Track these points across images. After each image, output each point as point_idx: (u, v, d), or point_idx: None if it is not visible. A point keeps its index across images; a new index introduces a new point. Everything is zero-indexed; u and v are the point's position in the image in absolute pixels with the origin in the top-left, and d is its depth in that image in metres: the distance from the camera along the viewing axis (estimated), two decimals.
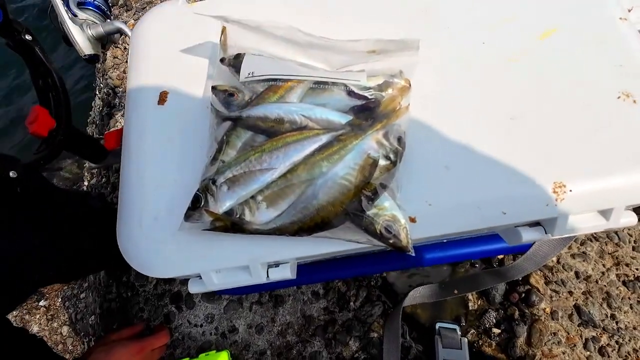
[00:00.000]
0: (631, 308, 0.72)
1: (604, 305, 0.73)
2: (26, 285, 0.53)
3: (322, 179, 0.35)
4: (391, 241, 0.34)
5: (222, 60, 0.43)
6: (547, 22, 0.43)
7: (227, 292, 0.69)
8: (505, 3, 0.44)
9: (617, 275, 0.74)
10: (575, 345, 0.70)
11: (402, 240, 0.34)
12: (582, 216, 0.38)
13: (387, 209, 0.35)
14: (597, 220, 0.38)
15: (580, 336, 0.71)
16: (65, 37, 0.60)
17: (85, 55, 0.60)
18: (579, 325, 0.72)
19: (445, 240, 0.54)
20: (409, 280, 0.83)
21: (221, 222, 0.36)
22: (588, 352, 0.70)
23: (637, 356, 0.69)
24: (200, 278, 0.41)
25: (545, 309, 0.74)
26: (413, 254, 0.34)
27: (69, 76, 1.63)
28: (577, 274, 0.75)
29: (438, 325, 0.76)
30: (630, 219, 0.39)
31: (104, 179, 1.14)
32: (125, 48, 1.17)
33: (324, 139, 0.36)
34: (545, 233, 0.39)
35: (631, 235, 0.77)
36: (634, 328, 0.70)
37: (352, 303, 0.79)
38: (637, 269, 0.74)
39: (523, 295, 0.75)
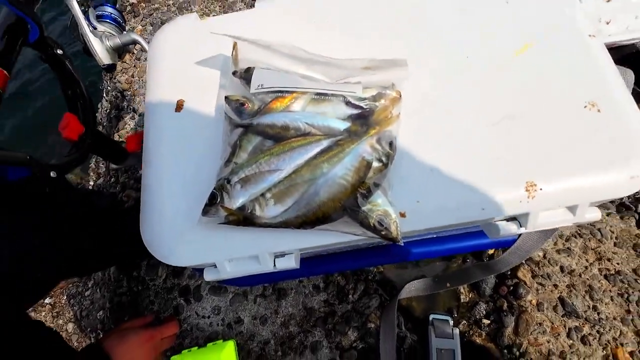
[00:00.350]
0: (612, 300, 0.77)
1: (587, 298, 0.78)
2: (26, 284, 0.56)
3: (323, 179, 0.41)
4: (383, 233, 0.40)
5: (234, 73, 0.48)
6: (523, 39, 0.48)
7: (238, 283, 0.75)
8: (487, 22, 0.50)
9: (599, 269, 0.80)
10: (559, 335, 0.76)
11: (393, 232, 0.40)
12: (551, 212, 0.43)
13: (380, 205, 0.40)
14: (565, 215, 0.44)
15: (564, 326, 0.76)
16: (86, 48, 0.65)
17: (104, 65, 0.66)
18: (562, 316, 0.77)
19: (435, 236, 0.59)
20: (404, 275, 0.88)
21: (234, 216, 0.42)
22: (571, 341, 0.75)
23: (616, 344, 0.74)
24: (215, 267, 0.46)
25: (531, 300, 0.79)
26: (402, 244, 0.40)
27: None
28: (562, 268, 0.81)
29: (431, 316, 0.81)
30: (595, 214, 0.44)
31: (112, 179, 1.20)
32: (133, 54, 1.23)
33: (325, 143, 0.42)
34: (521, 227, 0.44)
35: (613, 232, 0.83)
36: (614, 318, 0.76)
37: (350, 296, 0.85)
38: (618, 264, 0.80)
39: (511, 288, 0.81)
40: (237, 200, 0.42)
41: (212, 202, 0.42)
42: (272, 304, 0.86)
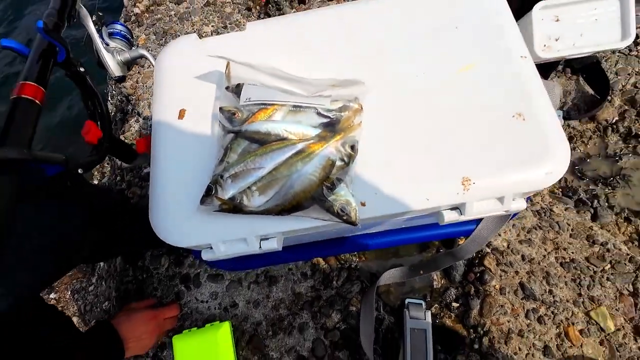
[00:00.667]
0: (566, 284, 0.88)
1: (544, 283, 0.89)
2: (66, 262, 0.68)
3: (296, 175, 0.52)
4: (344, 218, 0.51)
5: (226, 87, 0.59)
6: (467, 60, 0.59)
7: (233, 267, 0.85)
8: (438, 45, 0.61)
9: (555, 257, 0.91)
10: (518, 315, 0.87)
11: (352, 217, 0.51)
12: (484, 202, 0.54)
13: (343, 196, 0.51)
14: (495, 205, 0.54)
15: (523, 308, 0.87)
16: (100, 62, 0.76)
17: (115, 77, 0.77)
18: (522, 299, 0.88)
19: (403, 226, 0.70)
20: (384, 264, 0.99)
21: (226, 205, 0.53)
22: (528, 321, 0.86)
23: (568, 323, 0.85)
24: (211, 248, 0.57)
25: (495, 285, 0.90)
26: (360, 227, 0.51)
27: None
28: (523, 257, 0.92)
29: (407, 300, 0.92)
30: (520, 204, 0.55)
31: (118, 178, 1.31)
32: (137, 63, 1.34)
33: (299, 146, 0.53)
34: (461, 214, 0.55)
35: (569, 225, 0.94)
36: (567, 301, 0.86)
37: (334, 282, 0.96)
38: (572, 253, 0.91)
39: (478, 275, 0.92)
40: (228, 192, 0.53)
41: (208, 193, 0.53)
42: (264, 289, 0.97)
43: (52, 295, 1.44)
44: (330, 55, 0.62)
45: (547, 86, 0.60)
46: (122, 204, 0.91)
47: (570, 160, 1.02)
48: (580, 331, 0.83)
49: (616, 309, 0.85)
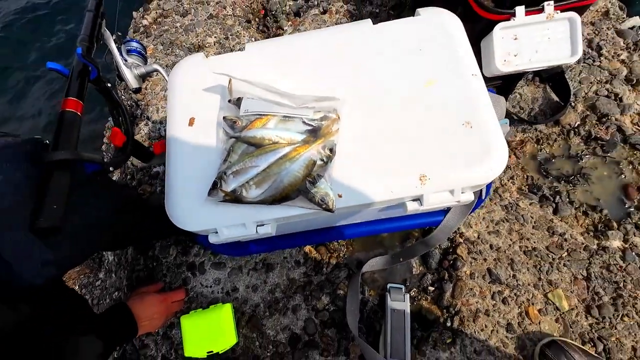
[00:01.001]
0: (528, 270, 1.01)
1: (509, 268, 1.02)
2: (92, 244, 0.82)
3: (285, 172, 0.66)
4: (324, 207, 0.65)
5: (229, 100, 0.74)
6: (429, 77, 0.73)
7: (236, 253, 0.99)
8: (404, 65, 0.75)
9: (519, 246, 1.04)
10: (485, 297, 1.00)
11: (330, 206, 0.65)
12: (438, 194, 0.68)
13: (323, 189, 0.65)
14: (448, 197, 0.68)
15: (490, 290, 1.01)
16: (119, 75, 0.91)
17: (133, 88, 0.91)
18: (489, 283, 1.01)
19: (383, 217, 0.84)
20: (369, 253, 1.13)
21: (229, 196, 0.67)
22: (494, 302, 0.99)
23: (529, 304, 0.98)
24: (216, 232, 0.71)
25: (466, 271, 1.03)
26: (335, 212, 0.65)
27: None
28: (491, 246, 1.05)
29: (389, 285, 1.06)
30: (468, 196, 0.69)
31: (128, 177, 1.45)
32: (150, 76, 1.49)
33: (288, 149, 0.67)
34: (421, 205, 0.69)
35: (533, 218, 1.07)
36: (528, 284, 1.00)
37: (324, 269, 1.10)
38: (534, 242, 1.04)
39: (451, 262, 1.05)
40: (230, 186, 0.67)
41: (214, 187, 0.67)
42: (262, 275, 1.11)
43: None
44: (314, 74, 0.77)
45: (494, 99, 0.74)
46: (139, 198, 1.05)
47: (537, 160, 1.16)
48: (539, 310, 0.97)
49: (571, 291, 0.98)
